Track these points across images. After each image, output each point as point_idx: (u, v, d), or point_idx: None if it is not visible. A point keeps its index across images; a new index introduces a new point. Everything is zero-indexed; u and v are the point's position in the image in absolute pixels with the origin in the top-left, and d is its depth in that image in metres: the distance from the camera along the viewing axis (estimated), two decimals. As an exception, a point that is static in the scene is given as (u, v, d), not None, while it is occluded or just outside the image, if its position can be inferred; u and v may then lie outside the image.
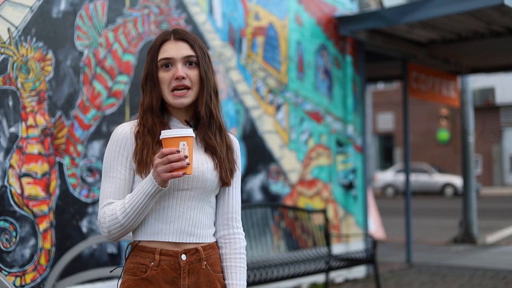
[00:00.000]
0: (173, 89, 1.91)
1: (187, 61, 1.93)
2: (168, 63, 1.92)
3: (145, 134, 1.91)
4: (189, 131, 1.78)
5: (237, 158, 2.04)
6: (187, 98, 1.92)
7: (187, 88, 1.92)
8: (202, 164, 1.92)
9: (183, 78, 1.90)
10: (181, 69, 1.91)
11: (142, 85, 1.98)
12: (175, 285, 1.88)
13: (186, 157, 1.75)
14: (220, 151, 1.95)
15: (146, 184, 1.81)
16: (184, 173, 1.76)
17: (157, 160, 1.76)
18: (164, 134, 1.78)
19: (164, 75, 1.92)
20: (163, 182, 1.78)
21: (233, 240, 2.00)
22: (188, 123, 1.97)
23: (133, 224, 1.86)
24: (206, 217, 1.95)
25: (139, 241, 1.92)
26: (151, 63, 1.94)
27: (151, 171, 1.80)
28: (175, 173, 1.75)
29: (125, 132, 1.93)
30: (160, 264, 1.87)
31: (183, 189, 1.90)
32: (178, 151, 1.75)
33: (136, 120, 1.98)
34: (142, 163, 1.88)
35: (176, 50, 1.93)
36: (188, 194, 1.90)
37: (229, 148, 2.00)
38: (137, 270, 1.89)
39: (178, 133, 1.77)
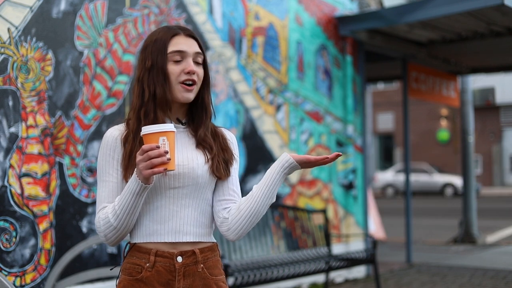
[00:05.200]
0: (182, 82, 1.90)
1: (196, 58, 1.93)
2: (180, 56, 1.91)
3: (135, 133, 1.89)
4: (169, 126, 1.75)
5: (235, 149, 2.02)
6: (193, 93, 1.92)
7: (195, 83, 1.92)
8: (192, 160, 1.90)
9: (194, 73, 1.91)
10: (192, 64, 1.91)
11: (141, 78, 1.91)
12: (169, 287, 1.86)
13: (166, 152, 1.72)
14: (213, 145, 1.94)
15: (131, 183, 1.79)
16: (165, 169, 1.73)
17: (138, 157, 1.74)
18: (144, 130, 1.76)
19: (174, 68, 1.90)
20: (146, 179, 1.76)
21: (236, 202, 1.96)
22: (180, 121, 1.96)
23: (126, 226, 1.84)
24: (203, 215, 1.92)
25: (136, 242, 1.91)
26: (158, 55, 1.90)
27: (135, 170, 1.78)
28: (155, 170, 1.73)
29: (114, 135, 1.92)
30: (155, 265, 1.86)
31: (174, 187, 1.87)
32: (158, 147, 1.72)
33: (124, 124, 1.95)
34: (128, 168, 1.86)
35: (188, 45, 1.92)
36: (180, 192, 1.88)
37: (223, 139, 1.99)
38: (133, 271, 1.88)
39: (157, 128, 1.74)
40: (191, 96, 1.91)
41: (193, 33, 1.97)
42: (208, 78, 1.96)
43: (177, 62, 1.91)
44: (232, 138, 2.05)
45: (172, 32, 1.93)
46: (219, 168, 1.93)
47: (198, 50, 1.93)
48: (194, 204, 1.90)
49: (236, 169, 2.02)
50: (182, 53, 1.91)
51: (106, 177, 1.89)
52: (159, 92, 1.88)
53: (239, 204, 1.93)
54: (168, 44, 1.91)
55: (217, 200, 1.96)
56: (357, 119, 7.08)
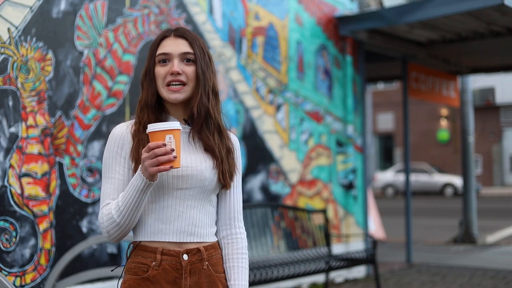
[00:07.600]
0: (168, 84, 1.91)
1: (185, 57, 1.93)
2: (166, 58, 1.92)
3: (141, 132, 1.91)
4: (175, 124, 1.76)
5: (238, 159, 2.03)
6: (182, 93, 1.91)
7: (183, 83, 1.91)
8: (201, 163, 1.91)
9: (179, 73, 1.90)
10: (177, 65, 1.90)
11: (142, 81, 1.98)
12: (176, 285, 1.87)
13: (172, 150, 1.74)
14: (218, 152, 1.94)
15: (135, 180, 1.80)
16: (171, 167, 1.75)
17: (144, 154, 1.76)
18: (150, 127, 1.77)
19: (159, 70, 1.92)
20: (151, 176, 1.77)
21: (235, 240, 2.00)
22: (186, 122, 1.96)
23: (129, 222, 1.85)
24: (207, 216, 1.94)
25: (141, 240, 1.91)
26: (150, 59, 1.95)
27: (140, 166, 1.80)
28: (161, 167, 1.74)
29: (122, 132, 1.93)
30: (162, 264, 1.87)
31: (181, 188, 1.89)
32: (165, 145, 1.74)
33: (133, 120, 1.98)
34: (139, 161, 1.87)
35: (174, 46, 1.93)
36: (187, 193, 1.89)
37: (228, 150, 1.99)
38: (139, 270, 1.88)
39: (164, 126, 1.75)
40: (179, 96, 1.91)
41: (185, 33, 1.95)
42: (200, 76, 1.92)
43: (163, 64, 1.93)
44: (236, 146, 2.05)
45: (162, 35, 1.97)
46: (225, 176, 1.94)
47: (187, 50, 1.92)
48: (199, 205, 1.92)
49: (239, 185, 2.04)
50: (167, 55, 1.92)
51: (112, 174, 1.90)
52: (144, 96, 1.94)
53: (234, 264, 1.99)
54: (157, 48, 1.95)
55: (222, 213, 2.01)
56: (357, 119, 7.08)
